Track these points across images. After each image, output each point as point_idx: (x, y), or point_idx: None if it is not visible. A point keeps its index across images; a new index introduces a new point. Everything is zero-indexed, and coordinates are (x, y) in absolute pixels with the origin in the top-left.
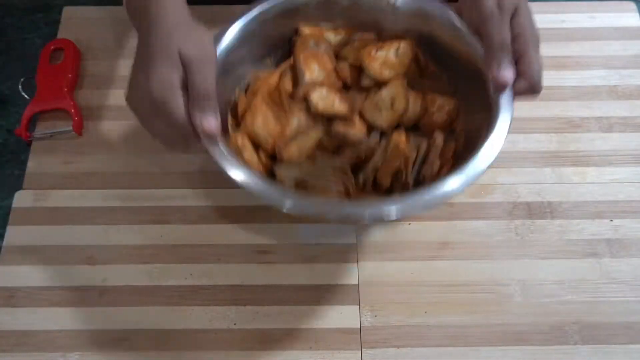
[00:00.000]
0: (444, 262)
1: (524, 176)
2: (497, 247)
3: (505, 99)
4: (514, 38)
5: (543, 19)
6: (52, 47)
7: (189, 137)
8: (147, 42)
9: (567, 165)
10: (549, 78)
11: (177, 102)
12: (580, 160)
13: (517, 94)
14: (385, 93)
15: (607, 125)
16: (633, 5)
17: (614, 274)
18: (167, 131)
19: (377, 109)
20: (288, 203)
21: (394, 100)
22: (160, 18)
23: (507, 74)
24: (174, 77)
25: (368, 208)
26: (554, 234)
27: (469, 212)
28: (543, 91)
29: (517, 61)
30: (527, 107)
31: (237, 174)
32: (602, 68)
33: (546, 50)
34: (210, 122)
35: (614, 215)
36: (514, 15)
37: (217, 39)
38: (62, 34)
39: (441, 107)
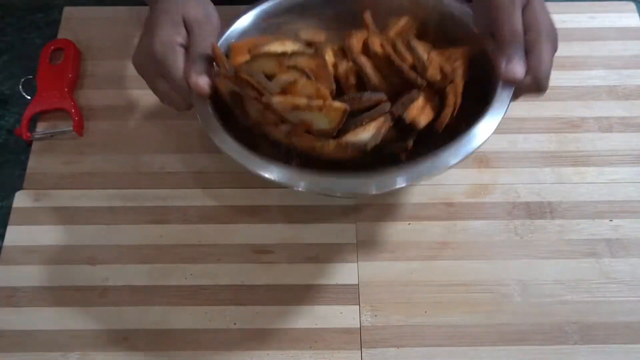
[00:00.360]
0: (444, 262)
1: (524, 176)
2: (497, 247)
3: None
4: (526, 30)
5: None
6: (52, 47)
7: (187, 95)
8: (154, 10)
9: (566, 165)
10: None
11: (176, 60)
12: (580, 160)
13: (520, 90)
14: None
15: (607, 125)
16: (633, 6)
17: (614, 274)
18: (169, 90)
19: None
20: (272, 173)
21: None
22: None
23: (516, 69)
24: (175, 38)
25: (371, 179)
26: (554, 234)
27: (468, 212)
28: None
29: (526, 55)
30: (527, 107)
31: (221, 140)
32: (602, 68)
33: None
34: (203, 80)
35: (613, 215)
36: (525, 6)
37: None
38: (62, 34)
39: (449, 57)
